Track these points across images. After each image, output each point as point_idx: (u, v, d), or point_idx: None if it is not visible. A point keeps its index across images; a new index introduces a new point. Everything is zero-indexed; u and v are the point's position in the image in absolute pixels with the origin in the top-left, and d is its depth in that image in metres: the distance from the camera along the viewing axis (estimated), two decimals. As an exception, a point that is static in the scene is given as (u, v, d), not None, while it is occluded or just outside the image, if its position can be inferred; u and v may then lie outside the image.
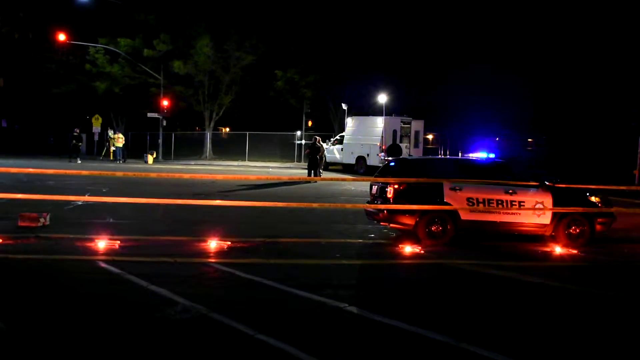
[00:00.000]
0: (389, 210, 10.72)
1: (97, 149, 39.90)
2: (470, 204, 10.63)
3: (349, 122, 32.21)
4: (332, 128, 40.65)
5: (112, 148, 36.05)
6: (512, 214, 10.72)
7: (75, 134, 34.06)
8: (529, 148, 44.76)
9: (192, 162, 37.24)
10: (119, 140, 35.17)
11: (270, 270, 8.16)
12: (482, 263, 9.12)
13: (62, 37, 35.38)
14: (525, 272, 8.64)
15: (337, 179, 23.54)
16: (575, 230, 10.82)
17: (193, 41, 37.47)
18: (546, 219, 10.77)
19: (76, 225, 11.25)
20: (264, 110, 48.49)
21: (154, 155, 37.10)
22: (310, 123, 41.87)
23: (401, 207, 10.57)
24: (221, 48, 38.15)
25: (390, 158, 14.34)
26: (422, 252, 9.84)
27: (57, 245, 9.33)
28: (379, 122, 30.08)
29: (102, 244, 9.28)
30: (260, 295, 6.99)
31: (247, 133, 39.92)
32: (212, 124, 42.57)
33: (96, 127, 40.12)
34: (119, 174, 17.55)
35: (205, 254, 9.13)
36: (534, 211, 10.71)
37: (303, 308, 6.55)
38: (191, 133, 49.79)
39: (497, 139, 49.42)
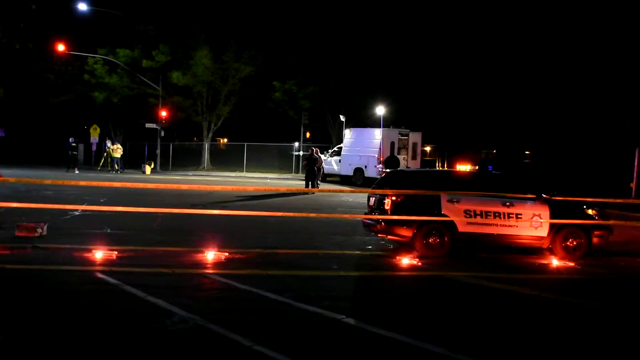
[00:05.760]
0: (386, 222, 10.73)
1: (95, 159, 39.87)
2: (468, 216, 10.64)
3: (347, 133, 32.27)
4: (330, 139, 40.70)
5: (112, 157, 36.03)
6: (510, 226, 10.73)
7: (73, 144, 34.02)
8: (526, 160, 44.89)
9: (190, 173, 37.24)
10: (117, 150, 35.19)
11: (267, 282, 8.16)
12: (479, 275, 9.13)
13: (61, 47, 35.47)
14: (522, 284, 8.65)
15: (335, 191, 23.56)
16: (572, 242, 10.84)
17: (192, 52, 37.63)
18: (543, 231, 10.79)
19: (73, 235, 11.24)
20: (262, 121, 48.52)
21: (152, 166, 37.08)
22: (308, 134, 41.87)
23: (399, 218, 10.59)
24: (220, 59, 38.31)
25: (388, 170, 14.39)
26: (420, 264, 9.84)
27: (54, 256, 9.32)
28: (377, 133, 30.14)
29: (99, 254, 9.27)
30: (257, 307, 6.99)
31: (245, 144, 39.97)
32: (210, 135, 42.64)
33: (94, 137, 40.08)
34: (117, 184, 17.49)
35: (202, 264, 9.13)
36: (531, 224, 10.73)
37: (300, 319, 6.55)
38: (189, 144, 49.79)
39: (495, 151, 49.59)
